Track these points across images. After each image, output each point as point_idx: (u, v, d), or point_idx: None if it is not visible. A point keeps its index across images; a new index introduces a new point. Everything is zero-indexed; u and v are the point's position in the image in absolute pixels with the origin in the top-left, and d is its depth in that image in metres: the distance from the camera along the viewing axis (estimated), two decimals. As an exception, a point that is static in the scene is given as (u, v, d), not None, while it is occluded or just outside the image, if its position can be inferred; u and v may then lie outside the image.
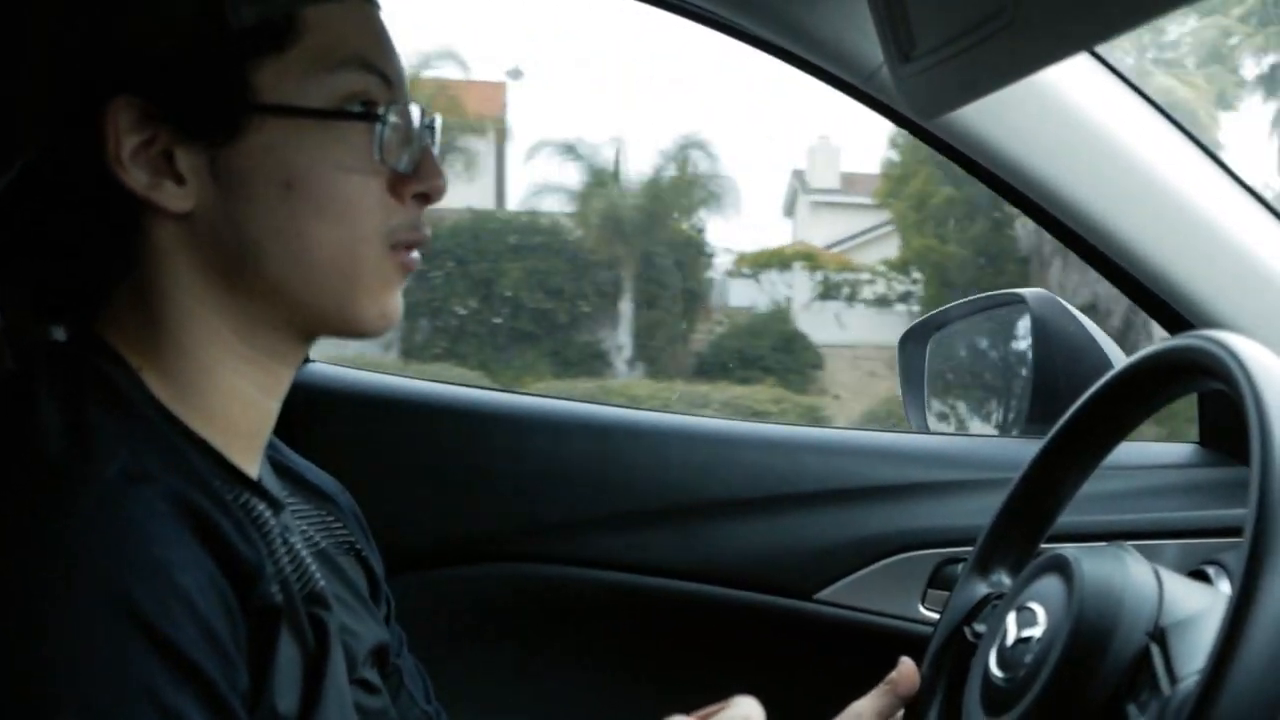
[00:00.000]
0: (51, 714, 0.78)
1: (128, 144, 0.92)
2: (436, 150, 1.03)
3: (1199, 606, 0.99)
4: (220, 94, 0.93)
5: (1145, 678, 0.95)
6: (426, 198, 1.01)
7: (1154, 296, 1.62)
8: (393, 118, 0.97)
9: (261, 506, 0.97)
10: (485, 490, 1.81)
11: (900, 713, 1.27)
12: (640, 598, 1.78)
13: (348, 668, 1.03)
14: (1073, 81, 1.56)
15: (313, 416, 1.69)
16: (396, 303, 1.01)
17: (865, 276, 19.83)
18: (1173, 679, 0.93)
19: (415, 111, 0.99)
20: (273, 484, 1.05)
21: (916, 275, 19.21)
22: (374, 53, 0.98)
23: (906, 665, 1.22)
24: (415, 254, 1.01)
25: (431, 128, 1.02)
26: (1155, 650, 0.95)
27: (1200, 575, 1.24)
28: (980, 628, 1.22)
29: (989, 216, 17.71)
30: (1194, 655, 0.93)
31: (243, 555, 0.88)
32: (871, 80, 1.58)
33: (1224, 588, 1.15)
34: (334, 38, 0.95)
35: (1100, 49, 1.54)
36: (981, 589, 1.25)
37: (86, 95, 0.92)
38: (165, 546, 0.83)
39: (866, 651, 1.67)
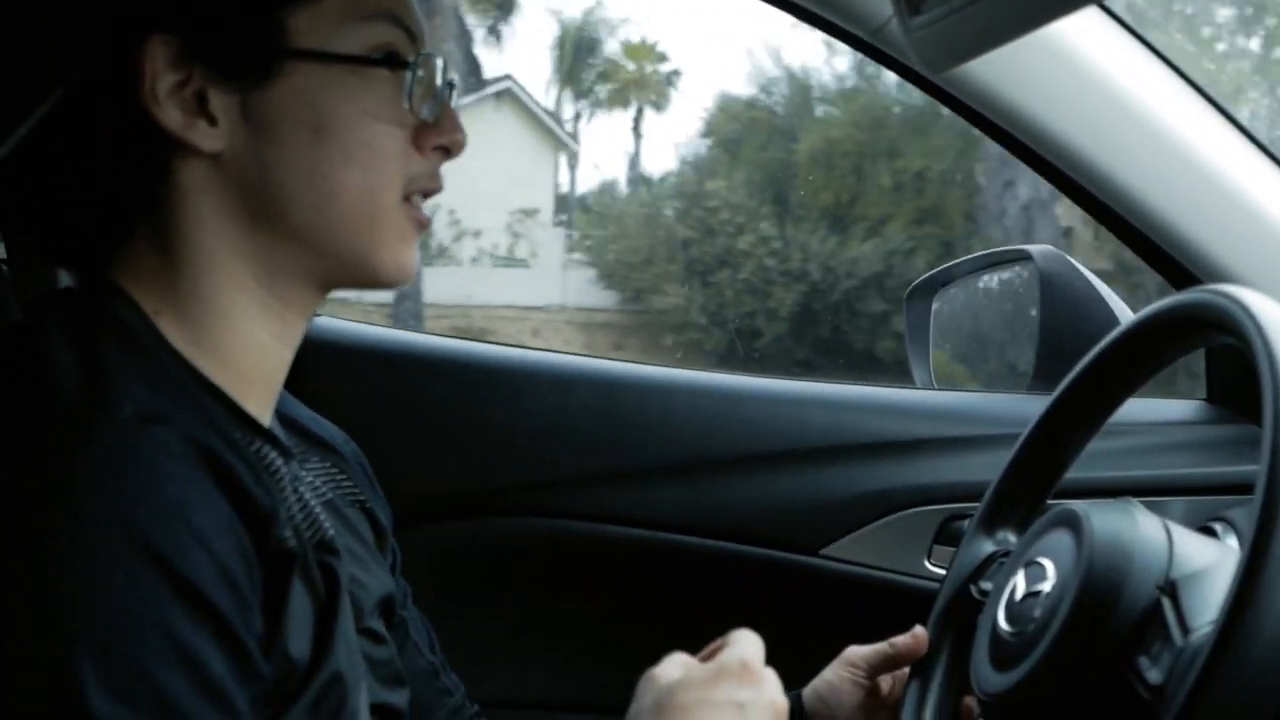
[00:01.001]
0: (68, 650, 0.78)
1: (164, 82, 0.92)
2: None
3: (1209, 560, 0.99)
4: (256, 37, 0.94)
5: (1156, 630, 0.95)
6: (447, 151, 1.02)
7: (1161, 250, 1.62)
8: (420, 69, 0.99)
9: (274, 454, 0.97)
10: (491, 444, 1.82)
11: (902, 671, 1.28)
12: (646, 552, 1.79)
13: (355, 617, 1.03)
14: (1081, 35, 1.55)
15: (318, 370, 1.69)
16: (414, 255, 1.02)
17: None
18: (1185, 630, 0.93)
19: (439, 64, 1.01)
20: (281, 435, 1.05)
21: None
22: (401, 7, 0.99)
23: (915, 634, 1.24)
24: (425, 211, 1.03)
25: (452, 84, 1.03)
26: (1166, 602, 0.96)
27: (1208, 532, 1.25)
28: (986, 585, 1.22)
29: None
30: (1206, 607, 0.94)
31: (258, 499, 0.88)
32: (880, 34, 1.57)
33: (1232, 544, 1.15)
34: None
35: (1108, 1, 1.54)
36: (987, 547, 1.26)
37: (125, 31, 0.92)
38: (181, 487, 0.84)
39: (872, 607, 1.68)
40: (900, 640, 1.27)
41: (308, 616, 0.94)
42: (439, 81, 1.01)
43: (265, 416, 1.01)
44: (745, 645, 0.96)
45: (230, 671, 0.83)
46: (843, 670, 1.30)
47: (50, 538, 0.80)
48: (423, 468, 1.79)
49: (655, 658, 0.99)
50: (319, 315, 1.84)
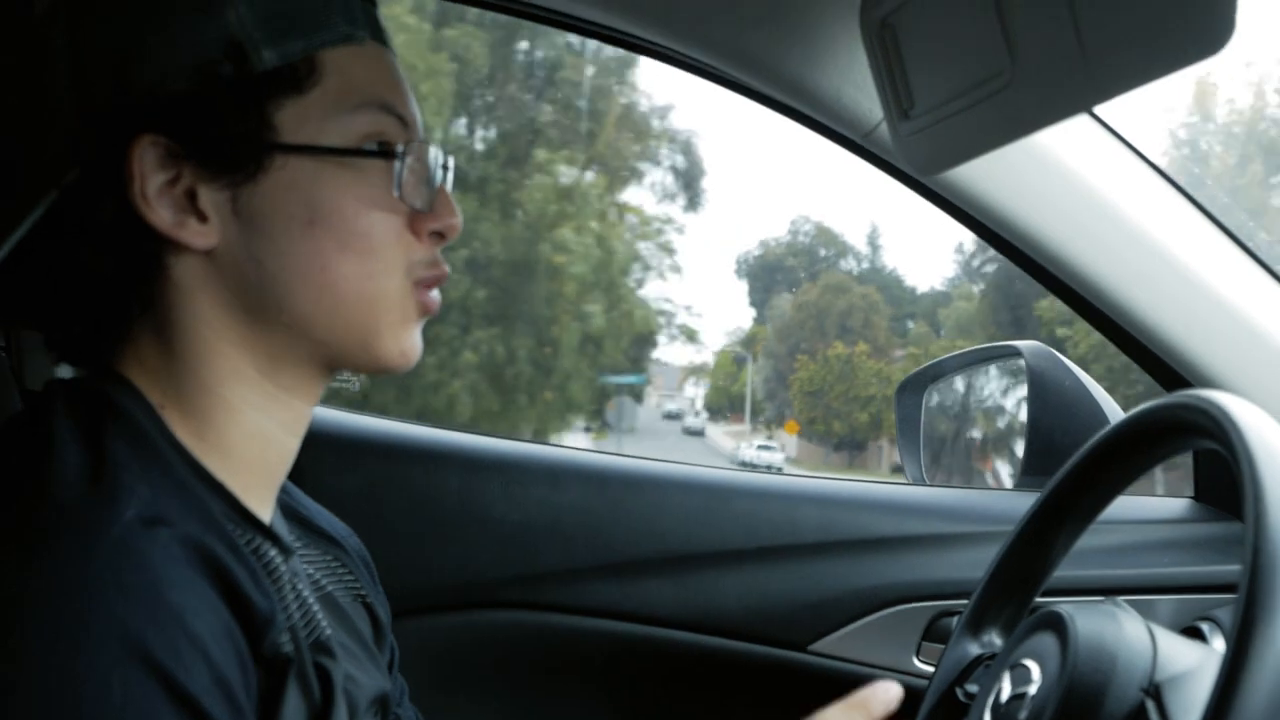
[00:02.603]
0: None
1: (152, 182, 0.94)
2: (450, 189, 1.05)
3: (1194, 662, 0.99)
4: (243, 134, 0.95)
5: None
6: (442, 236, 1.03)
7: (1150, 354, 1.63)
8: (410, 157, 1.00)
9: (273, 553, 0.98)
10: (482, 537, 1.81)
11: None
12: (636, 647, 1.78)
13: (350, 715, 1.03)
14: (1071, 141, 1.57)
15: (311, 459, 1.70)
16: (417, 340, 1.03)
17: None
18: None
19: (432, 151, 1.02)
20: (282, 528, 1.06)
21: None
22: (391, 95, 1.00)
23: (886, 688, 1.17)
24: (435, 294, 1.03)
25: (446, 168, 1.04)
26: (1151, 706, 0.96)
27: (1194, 632, 1.25)
28: (972, 688, 1.22)
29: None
30: (1190, 710, 0.94)
31: (256, 603, 0.89)
32: (870, 137, 1.59)
33: (1218, 644, 1.16)
34: (353, 80, 0.98)
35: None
36: (973, 649, 1.26)
37: (112, 135, 0.93)
38: (180, 592, 0.84)
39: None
40: (868, 693, 1.22)
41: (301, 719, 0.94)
42: (433, 167, 1.02)
43: (266, 510, 1.01)
44: None
45: None
46: None
47: (49, 641, 0.80)
48: (413, 560, 1.79)
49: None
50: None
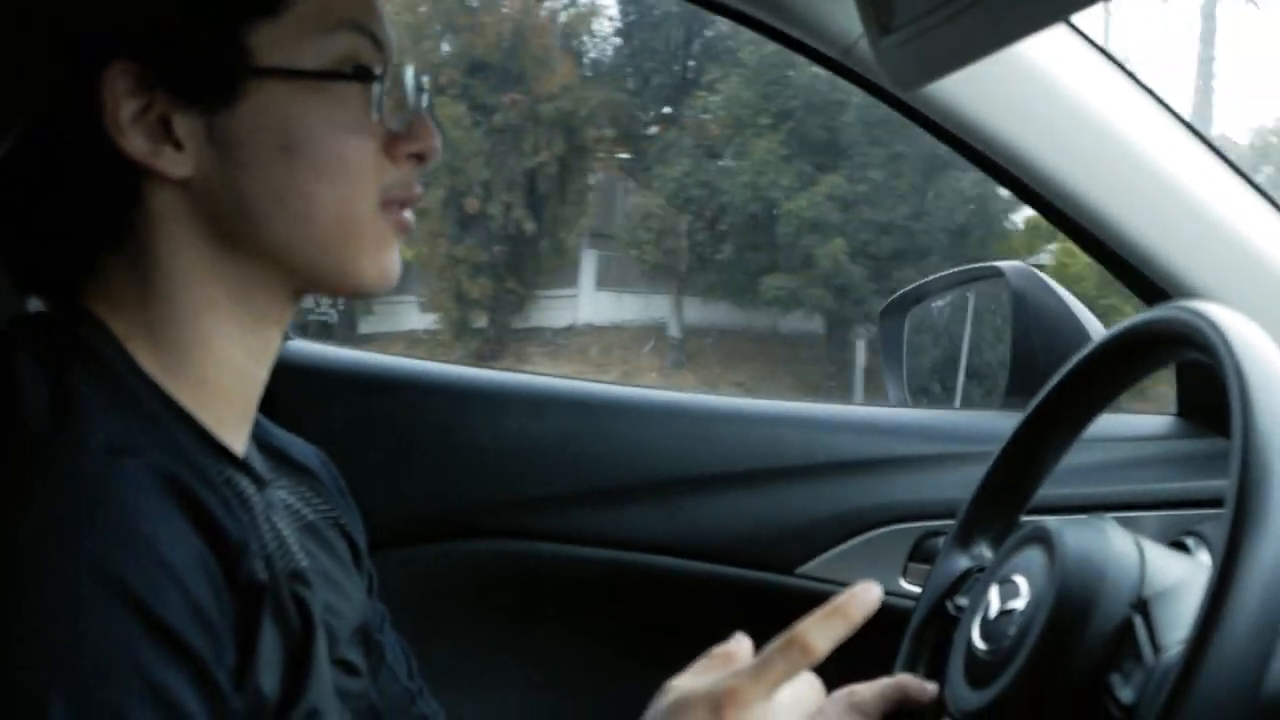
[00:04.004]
0: (38, 689, 0.77)
1: (126, 109, 0.92)
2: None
3: (1181, 577, 0.99)
4: (216, 58, 0.93)
5: (1128, 648, 0.95)
6: (421, 158, 1.01)
7: (1131, 267, 1.63)
8: (388, 79, 0.98)
9: (245, 483, 0.97)
10: (463, 466, 1.81)
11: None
12: (621, 573, 1.78)
13: (330, 647, 1.03)
14: (1050, 52, 1.56)
15: (288, 394, 1.69)
16: (395, 261, 1.02)
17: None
18: (1156, 648, 0.93)
19: (409, 72, 1.00)
20: (257, 460, 1.05)
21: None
22: (365, 16, 0.98)
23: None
24: (409, 214, 1.02)
25: (424, 90, 1.03)
26: (1138, 620, 0.96)
27: (1179, 546, 1.25)
28: (962, 601, 1.22)
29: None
30: (1177, 625, 0.94)
31: (229, 531, 0.88)
32: (850, 53, 1.57)
33: (1204, 558, 1.15)
34: (326, 1, 0.96)
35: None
36: (963, 562, 1.26)
37: (83, 61, 0.92)
38: (152, 522, 0.83)
39: (848, 625, 1.67)
40: (910, 681, 1.21)
41: (278, 651, 0.93)
42: (409, 90, 1.01)
43: (239, 442, 1.00)
44: (742, 676, 0.92)
45: (203, 709, 0.82)
46: (852, 719, 1.21)
47: (20, 574, 0.80)
48: (395, 490, 1.78)
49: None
50: (290, 339, 1.83)
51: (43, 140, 0.94)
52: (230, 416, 0.99)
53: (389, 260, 1.01)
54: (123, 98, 0.92)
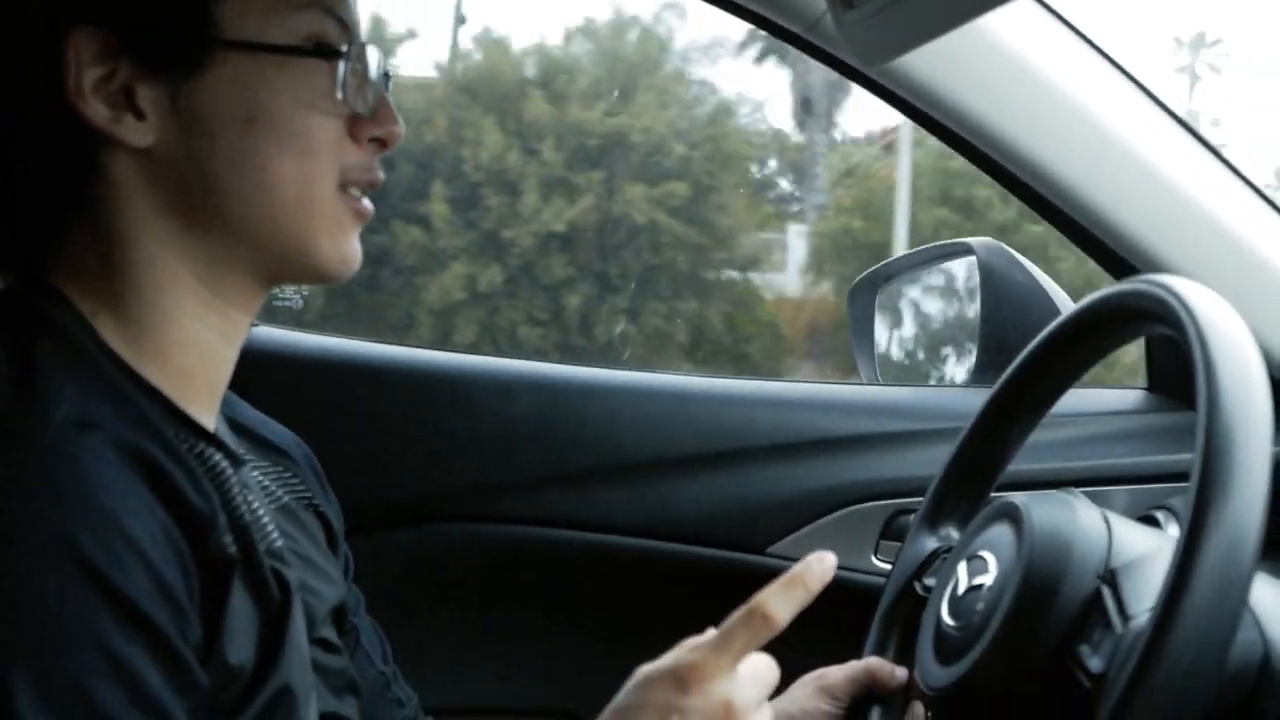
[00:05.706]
0: (1, 660, 0.77)
1: (89, 76, 0.91)
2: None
3: (1148, 548, 1.00)
4: (183, 28, 0.93)
5: (1097, 618, 0.96)
6: (382, 143, 1.01)
7: (1099, 242, 1.63)
8: (353, 59, 0.98)
9: (219, 458, 0.96)
10: (434, 451, 1.81)
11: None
12: (593, 555, 1.78)
13: (308, 626, 1.02)
14: (1015, 26, 1.55)
15: (259, 378, 1.69)
16: (355, 247, 1.01)
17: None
18: (1125, 617, 0.94)
19: (374, 55, 1.00)
20: (230, 439, 1.04)
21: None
22: None
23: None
24: (368, 201, 1.02)
25: (388, 75, 1.02)
26: (1106, 591, 0.96)
27: (1149, 520, 1.25)
28: (930, 581, 1.23)
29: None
30: (1145, 594, 0.95)
31: (195, 505, 0.87)
32: (815, 29, 1.56)
33: (1173, 531, 1.16)
34: None
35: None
36: (930, 543, 1.26)
37: (48, 26, 0.91)
38: (115, 495, 0.83)
39: (819, 603, 1.67)
40: (880, 665, 1.23)
41: (251, 625, 0.93)
42: (374, 73, 1.00)
43: (209, 419, 0.99)
44: (704, 649, 0.92)
45: (166, 683, 0.82)
46: (822, 702, 1.24)
47: None
48: (365, 476, 1.77)
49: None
50: (258, 325, 1.82)
51: (4, 104, 0.93)
52: (198, 394, 0.98)
53: (348, 244, 1.00)
54: (86, 64, 0.91)
